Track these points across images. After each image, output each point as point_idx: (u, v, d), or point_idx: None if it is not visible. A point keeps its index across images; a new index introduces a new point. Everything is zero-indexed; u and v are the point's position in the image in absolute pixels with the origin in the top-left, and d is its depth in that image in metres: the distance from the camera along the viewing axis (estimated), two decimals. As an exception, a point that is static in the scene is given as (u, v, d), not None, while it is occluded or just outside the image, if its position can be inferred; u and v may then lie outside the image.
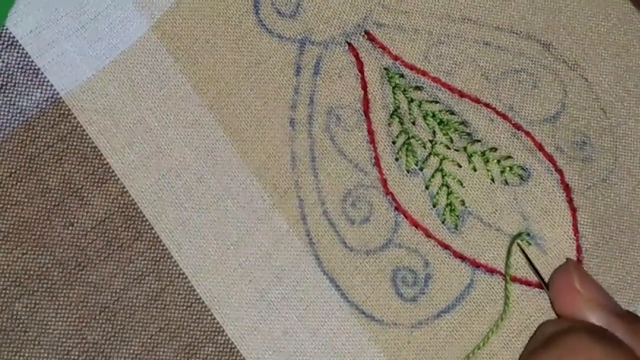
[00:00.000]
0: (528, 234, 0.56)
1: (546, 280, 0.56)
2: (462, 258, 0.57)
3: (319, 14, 0.57)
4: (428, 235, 0.57)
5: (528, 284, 0.57)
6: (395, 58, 0.57)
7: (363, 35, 0.57)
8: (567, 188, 0.57)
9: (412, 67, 0.57)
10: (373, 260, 0.57)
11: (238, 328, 0.55)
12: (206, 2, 0.56)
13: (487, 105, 0.57)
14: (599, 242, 0.57)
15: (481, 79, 0.57)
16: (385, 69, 0.57)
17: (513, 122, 0.57)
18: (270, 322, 0.55)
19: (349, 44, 0.57)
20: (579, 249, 0.57)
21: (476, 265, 0.57)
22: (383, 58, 0.57)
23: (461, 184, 0.57)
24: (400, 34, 0.57)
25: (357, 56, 0.57)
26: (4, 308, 0.53)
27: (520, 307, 0.56)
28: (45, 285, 0.54)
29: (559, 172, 0.57)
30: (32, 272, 0.53)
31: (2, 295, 0.53)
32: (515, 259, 0.57)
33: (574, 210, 0.57)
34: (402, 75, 0.57)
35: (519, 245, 0.56)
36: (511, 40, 0.57)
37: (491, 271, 0.57)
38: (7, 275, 0.53)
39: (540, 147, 0.57)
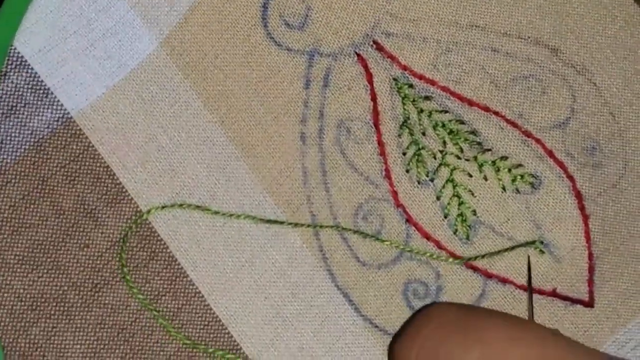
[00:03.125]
0: (542, 242, 0.56)
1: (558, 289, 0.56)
2: (474, 269, 0.57)
3: (327, 25, 0.56)
4: (440, 246, 0.57)
5: (541, 292, 0.57)
6: (404, 68, 0.57)
7: (372, 45, 0.57)
8: (578, 195, 0.57)
9: (421, 77, 0.57)
10: (385, 274, 0.56)
11: (255, 345, 0.55)
12: (214, 17, 0.56)
13: (497, 113, 0.57)
14: (610, 249, 0.57)
15: (490, 87, 0.57)
16: (394, 79, 0.57)
17: (523, 129, 0.57)
18: (286, 338, 0.55)
19: (358, 55, 0.57)
20: (590, 256, 0.57)
21: (488, 275, 0.57)
22: (392, 68, 0.57)
23: (472, 194, 0.57)
24: (408, 43, 0.57)
25: (366, 67, 0.57)
26: (21, 333, 0.53)
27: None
28: (62, 309, 0.53)
29: (571, 178, 0.57)
30: (48, 296, 0.53)
31: (19, 319, 0.53)
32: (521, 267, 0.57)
33: (586, 217, 0.57)
34: (411, 86, 0.57)
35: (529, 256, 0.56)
36: (519, 46, 0.57)
37: (504, 281, 0.57)
38: (23, 299, 0.53)
39: (551, 154, 0.57)
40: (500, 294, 0.57)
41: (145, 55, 0.55)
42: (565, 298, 0.57)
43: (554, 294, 0.57)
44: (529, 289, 0.56)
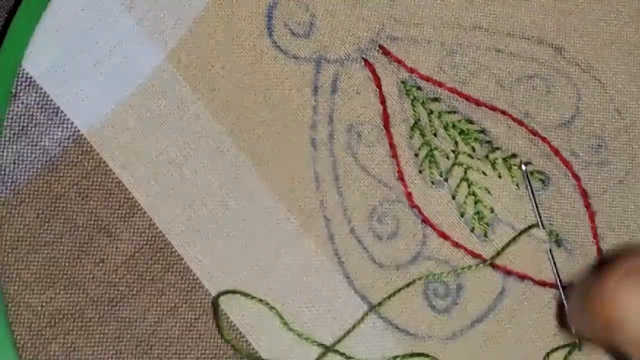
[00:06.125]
0: (557, 235, 0.56)
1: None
2: (493, 266, 0.57)
3: (332, 32, 0.57)
4: (457, 245, 0.57)
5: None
6: (411, 71, 0.57)
7: (378, 50, 0.57)
8: (584, 193, 0.57)
9: (428, 79, 0.57)
10: (403, 275, 0.57)
11: (274, 352, 0.55)
12: (219, 27, 0.56)
13: (504, 113, 0.58)
14: (617, 244, 0.57)
15: (495, 87, 0.57)
16: (402, 82, 0.57)
17: (529, 128, 0.58)
18: (305, 344, 0.55)
19: (365, 60, 0.57)
20: (599, 251, 0.57)
21: (508, 272, 0.57)
22: (399, 72, 0.57)
23: (489, 192, 0.57)
24: (414, 46, 0.57)
25: (373, 71, 0.57)
26: (40, 350, 0.53)
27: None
28: (79, 324, 0.54)
29: (576, 177, 0.57)
30: (66, 312, 0.53)
31: (38, 336, 0.53)
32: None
33: (592, 214, 0.57)
34: (419, 88, 0.57)
35: (549, 251, 0.56)
36: (523, 46, 0.58)
37: (522, 277, 0.57)
38: (41, 316, 0.53)
39: (557, 153, 0.58)
40: (519, 291, 0.57)
41: (151, 69, 0.55)
42: None
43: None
44: (557, 279, 0.56)
